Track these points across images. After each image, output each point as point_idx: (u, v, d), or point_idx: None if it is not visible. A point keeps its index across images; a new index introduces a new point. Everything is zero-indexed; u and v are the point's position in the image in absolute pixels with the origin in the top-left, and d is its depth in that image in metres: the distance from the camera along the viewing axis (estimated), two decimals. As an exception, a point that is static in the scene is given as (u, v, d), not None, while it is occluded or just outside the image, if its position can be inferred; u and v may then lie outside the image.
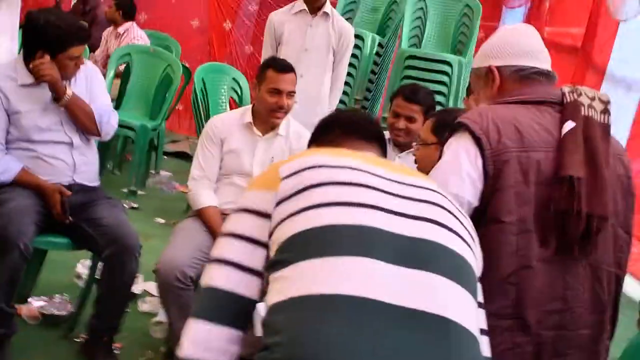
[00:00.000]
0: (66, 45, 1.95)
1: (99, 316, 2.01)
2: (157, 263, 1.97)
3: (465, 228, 0.91)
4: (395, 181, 0.88)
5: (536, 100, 1.26)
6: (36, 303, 2.29)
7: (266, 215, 0.85)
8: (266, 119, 2.22)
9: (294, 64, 2.70)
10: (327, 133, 1.18)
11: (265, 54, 3.14)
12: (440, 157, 1.29)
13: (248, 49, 5.92)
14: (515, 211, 1.17)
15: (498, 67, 1.31)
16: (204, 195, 2.19)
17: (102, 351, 2.03)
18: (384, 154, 1.18)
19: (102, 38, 4.62)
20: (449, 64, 3.61)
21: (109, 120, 2.18)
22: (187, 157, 4.60)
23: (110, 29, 4.60)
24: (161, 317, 2.34)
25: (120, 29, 4.47)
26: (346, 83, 3.38)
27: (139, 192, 3.85)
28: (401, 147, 2.39)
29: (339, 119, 1.24)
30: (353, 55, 3.38)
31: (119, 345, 2.13)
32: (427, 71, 3.65)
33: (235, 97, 3.80)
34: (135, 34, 4.44)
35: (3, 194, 1.94)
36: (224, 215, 2.13)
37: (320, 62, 3.08)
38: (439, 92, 3.44)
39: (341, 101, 3.44)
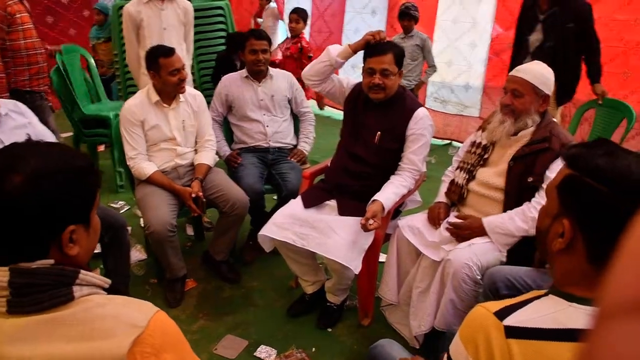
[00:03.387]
0: None
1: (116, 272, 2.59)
2: (148, 227, 2.59)
3: None
4: None
5: None
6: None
7: None
8: (173, 93, 2.85)
9: (158, 41, 3.38)
10: None
11: (129, 42, 3.73)
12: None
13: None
14: None
15: None
16: (146, 166, 2.79)
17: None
18: None
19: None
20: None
21: None
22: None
23: None
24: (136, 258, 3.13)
25: None
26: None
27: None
28: (259, 78, 3.26)
29: None
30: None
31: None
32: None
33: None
34: None
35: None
36: (165, 172, 2.87)
37: (177, 37, 3.72)
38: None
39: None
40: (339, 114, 5.66)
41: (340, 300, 2.63)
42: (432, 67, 4.71)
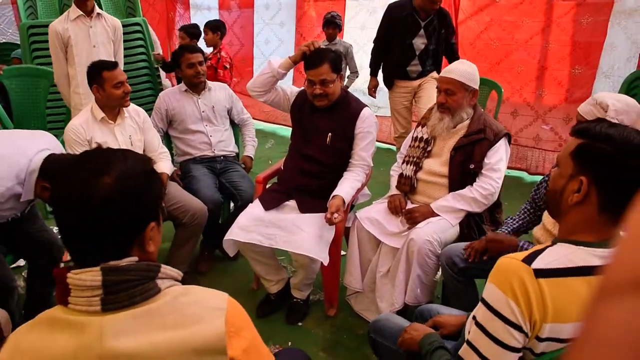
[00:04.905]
0: None
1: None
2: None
3: None
4: None
5: None
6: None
7: None
8: (117, 107, 2.85)
9: (87, 59, 3.34)
10: None
11: (57, 60, 3.61)
12: None
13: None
14: None
15: None
16: None
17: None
18: None
19: None
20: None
21: None
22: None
23: None
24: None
25: None
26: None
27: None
28: (198, 90, 3.33)
29: None
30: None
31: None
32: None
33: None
34: None
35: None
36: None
37: (107, 54, 3.67)
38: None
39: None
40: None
41: (306, 295, 2.77)
42: (355, 73, 4.99)
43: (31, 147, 2.21)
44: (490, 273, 1.18)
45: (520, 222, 2.33)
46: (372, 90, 4.41)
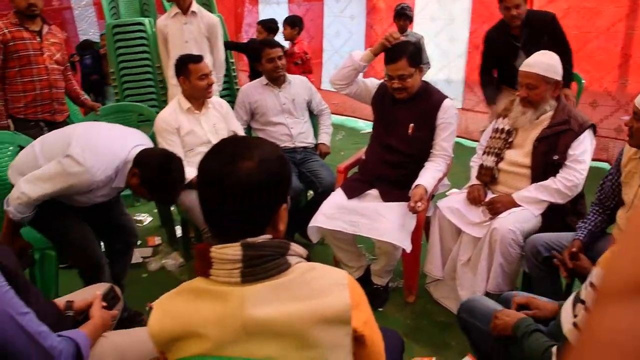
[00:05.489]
0: None
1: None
2: (206, 229, 2.70)
3: None
4: None
5: None
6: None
7: None
8: (201, 98, 3.06)
9: (179, 53, 3.57)
10: None
11: (162, 53, 4.04)
12: None
13: None
14: None
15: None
16: (188, 171, 2.90)
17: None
18: None
19: None
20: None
21: None
22: None
23: None
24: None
25: None
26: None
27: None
28: (279, 84, 3.46)
29: None
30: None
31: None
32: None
33: None
34: None
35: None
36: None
37: (199, 50, 3.86)
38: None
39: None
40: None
41: (385, 282, 2.86)
42: (427, 64, 5.00)
43: (129, 141, 2.41)
44: (600, 258, 1.22)
45: (592, 224, 2.28)
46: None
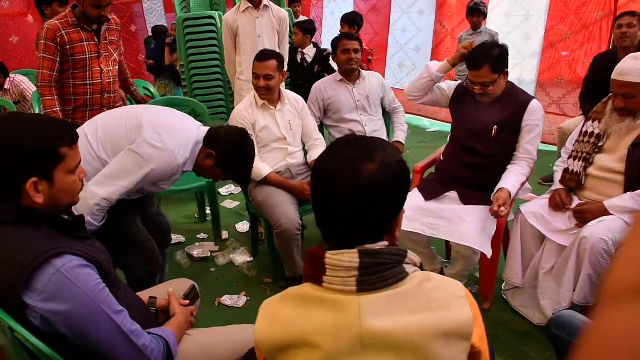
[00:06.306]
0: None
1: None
2: (278, 226, 2.72)
3: None
4: None
5: None
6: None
7: None
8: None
9: (252, 48, 3.58)
10: None
11: (227, 48, 3.97)
12: None
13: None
14: None
15: None
16: (262, 167, 2.93)
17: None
18: None
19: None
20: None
21: None
22: None
23: None
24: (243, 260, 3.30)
25: None
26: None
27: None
28: (352, 79, 3.43)
29: None
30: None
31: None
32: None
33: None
34: None
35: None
36: (278, 172, 3.03)
37: (271, 44, 3.89)
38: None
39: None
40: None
41: (460, 287, 2.77)
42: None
43: (193, 122, 2.35)
44: None
45: None
46: None
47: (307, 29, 5.02)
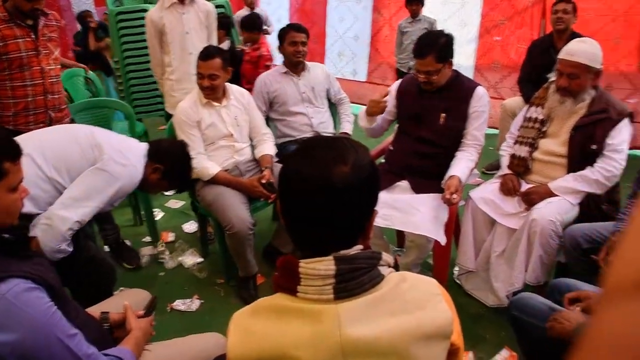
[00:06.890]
0: None
1: None
2: (230, 227, 2.62)
3: None
4: None
5: None
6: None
7: None
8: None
9: (180, 45, 3.44)
10: None
11: (152, 47, 3.71)
12: None
13: None
14: None
15: None
16: (209, 166, 2.83)
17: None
18: None
19: None
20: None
21: None
22: None
23: None
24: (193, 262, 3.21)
25: None
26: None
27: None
28: (298, 71, 3.38)
29: None
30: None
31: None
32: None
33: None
34: None
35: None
36: (226, 170, 2.94)
37: (199, 39, 3.70)
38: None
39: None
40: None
41: (415, 274, 2.80)
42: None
43: (133, 139, 2.38)
44: None
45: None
46: None
47: (220, 23, 4.62)
